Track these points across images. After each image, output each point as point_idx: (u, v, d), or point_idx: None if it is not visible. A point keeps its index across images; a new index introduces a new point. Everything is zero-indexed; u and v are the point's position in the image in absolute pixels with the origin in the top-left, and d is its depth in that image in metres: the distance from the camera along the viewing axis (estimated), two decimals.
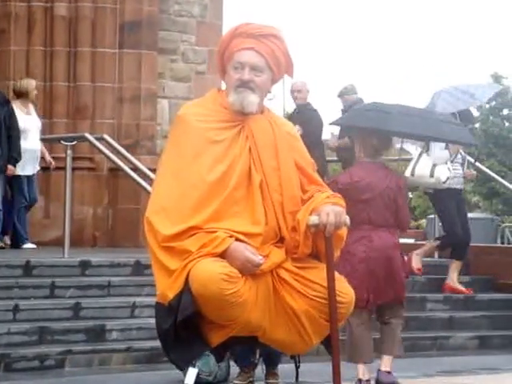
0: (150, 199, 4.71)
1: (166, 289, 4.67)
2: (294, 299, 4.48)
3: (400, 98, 53.78)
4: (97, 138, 9.75)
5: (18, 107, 10.43)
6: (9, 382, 6.85)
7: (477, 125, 36.91)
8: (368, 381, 6.18)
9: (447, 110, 8.75)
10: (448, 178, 8.78)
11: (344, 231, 4.48)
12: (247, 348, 5.84)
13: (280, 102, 10.89)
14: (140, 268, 8.63)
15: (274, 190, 4.61)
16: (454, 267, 9.57)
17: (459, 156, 9.78)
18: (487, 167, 15.11)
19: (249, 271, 4.53)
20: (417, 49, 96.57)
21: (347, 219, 4.38)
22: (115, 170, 10.80)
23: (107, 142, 9.79)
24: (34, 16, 11.58)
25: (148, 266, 6.12)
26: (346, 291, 4.46)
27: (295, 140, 4.68)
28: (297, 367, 4.91)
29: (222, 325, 4.60)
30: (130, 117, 11.61)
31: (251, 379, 6.34)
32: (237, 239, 4.53)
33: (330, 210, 4.37)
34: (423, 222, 31.74)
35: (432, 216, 14.43)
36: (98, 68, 11.51)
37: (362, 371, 6.15)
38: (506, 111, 41.45)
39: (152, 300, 5.18)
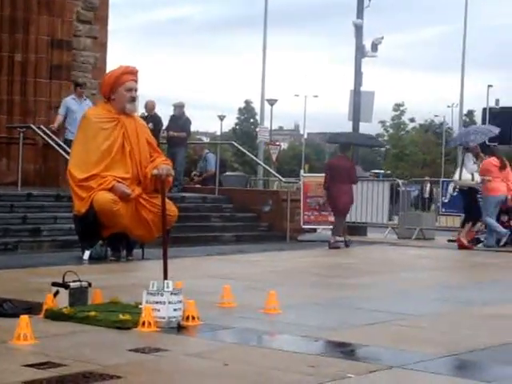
0: (69, 159, 8.33)
1: (80, 207, 8.25)
2: (146, 213, 8.12)
3: None
4: (37, 127, 15.75)
5: None
6: None
7: None
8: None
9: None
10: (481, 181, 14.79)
11: (171, 178, 8.10)
12: (119, 239, 9.55)
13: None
14: (59, 197, 13.76)
15: (136, 154, 8.20)
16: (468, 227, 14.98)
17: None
18: None
19: (124, 198, 8.13)
20: None
21: (172, 171, 7.95)
22: (46, 145, 16.16)
23: (42, 129, 15.63)
24: None
25: (64, 196, 12.38)
26: (172, 209, 8.08)
27: (145, 128, 8.26)
28: (143, 249, 8.52)
29: (109, 226, 8.21)
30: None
31: (119, 255, 10.07)
32: (118, 181, 8.14)
33: (165, 167, 7.94)
34: None
35: None
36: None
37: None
38: None
39: (67, 214, 9.20)
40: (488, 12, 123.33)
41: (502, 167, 15.26)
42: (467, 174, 14.70)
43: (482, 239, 15.65)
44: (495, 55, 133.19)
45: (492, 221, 15.18)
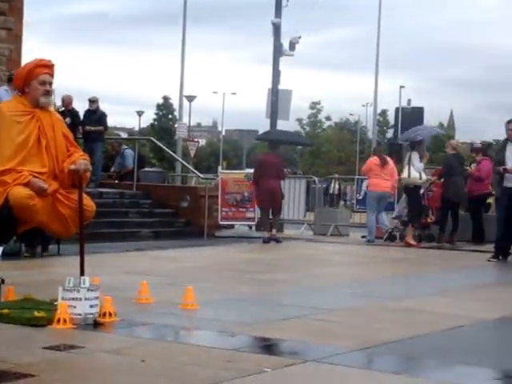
0: None
1: None
2: (63, 208, 7.82)
3: None
4: None
5: None
6: None
7: None
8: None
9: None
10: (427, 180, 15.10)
11: (88, 173, 7.96)
12: (34, 234, 9.36)
13: None
14: None
15: (53, 148, 7.99)
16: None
17: None
18: None
19: (41, 193, 7.93)
20: None
21: (89, 166, 7.82)
22: None
23: None
24: None
25: None
26: (90, 204, 7.92)
27: (62, 122, 8.10)
28: (59, 245, 8.36)
29: (25, 222, 8.01)
30: None
31: (34, 250, 9.90)
32: (34, 176, 7.95)
33: (82, 162, 7.79)
34: None
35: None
36: None
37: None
38: None
39: None
40: (401, 14, 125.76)
41: (382, 164, 15.73)
42: (415, 172, 14.89)
43: (397, 235, 15.96)
44: (407, 57, 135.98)
45: (371, 218, 15.68)
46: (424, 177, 14.98)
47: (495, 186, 12.80)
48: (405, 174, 14.99)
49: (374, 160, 16.19)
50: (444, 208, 15.41)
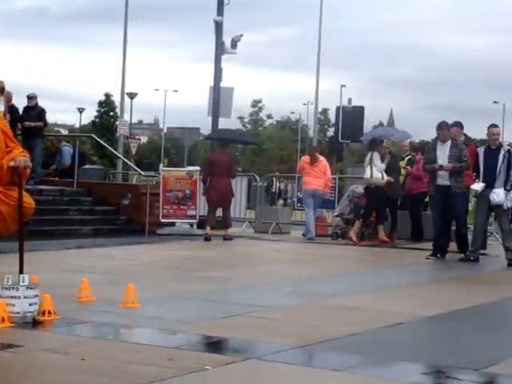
0: None
1: None
2: (2, 206, 7.74)
3: None
4: None
5: None
6: None
7: None
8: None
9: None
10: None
11: (28, 170, 7.83)
12: None
13: None
14: None
15: None
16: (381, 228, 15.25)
17: None
18: None
19: None
20: None
21: (29, 163, 7.70)
22: None
23: None
24: None
25: None
26: (29, 202, 7.81)
27: (1, 119, 7.96)
28: None
29: None
30: None
31: None
32: None
33: (22, 158, 7.67)
34: None
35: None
36: None
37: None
38: None
39: None
40: (342, 15, 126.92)
41: (312, 162, 15.95)
42: (378, 173, 14.99)
43: (338, 233, 16.07)
44: (349, 56, 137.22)
45: (309, 215, 15.98)
46: (386, 177, 15.03)
47: (429, 185, 12.96)
48: (367, 175, 15.08)
49: (305, 159, 16.55)
50: (382, 206, 15.56)
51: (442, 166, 12.47)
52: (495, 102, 66.19)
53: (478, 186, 12.24)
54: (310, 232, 15.85)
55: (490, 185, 12.16)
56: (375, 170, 15.03)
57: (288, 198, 32.16)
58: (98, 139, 21.55)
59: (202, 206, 16.97)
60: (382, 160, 15.13)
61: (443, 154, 12.60)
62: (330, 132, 69.41)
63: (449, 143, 12.66)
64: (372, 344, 5.79)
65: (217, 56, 19.55)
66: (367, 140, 16.26)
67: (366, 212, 15.48)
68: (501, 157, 12.17)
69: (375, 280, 9.93)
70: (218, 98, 19.38)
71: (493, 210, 12.45)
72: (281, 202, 27.80)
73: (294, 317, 6.79)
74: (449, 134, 12.76)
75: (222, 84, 19.69)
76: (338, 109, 25.74)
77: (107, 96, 65.75)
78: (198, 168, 17.98)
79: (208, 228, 15.12)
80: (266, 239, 15.95)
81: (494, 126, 12.64)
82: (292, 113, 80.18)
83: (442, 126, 12.73)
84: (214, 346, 5.62)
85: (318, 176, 15.96)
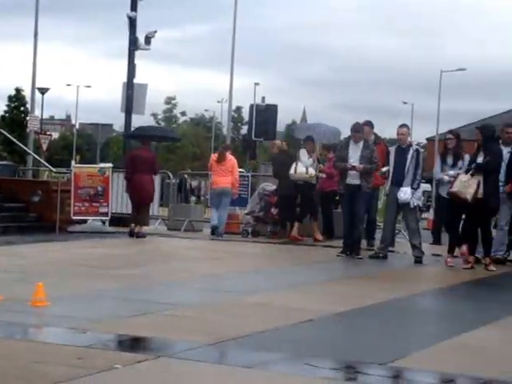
0: None
1: None
2: None
3: None
4: None
5: None
6: None
7: None
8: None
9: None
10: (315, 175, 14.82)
11: None
12: None
13: None
14: None
15: None
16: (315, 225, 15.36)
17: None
18: None
19: None
20: None
21: None
22: None
23: None
24: None
25: None
26: None
27: None
28: None
29: None
30: None
31: None
32: None
33: None
34: None
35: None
36: None
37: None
38: None
39: None
40: (256, 14, 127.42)
41: (219, 161, 16.11)
42: (302, 167, 15.02)
43: (249, 231, 16.14)
44: (263, 55, 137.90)
45: (212, 215, 16.22)
46: (311, 172, 15.04)
47: (339, 183, 13.14)
48: (291, 170, 15.17)
49: (213, 157, 16.65)
50: (280, 204, 15.70)
51: (353, 167, 12.67)
52: (404, 102, 67.57)
53: (386, 168, 12.55)
54: (214, 228, 15.92)
55: (398, 183, 12.41)
56: (300, 166, 15.16)
57: (202, 195, 32.12)
58: (7, 134, 21.08)
59: (121, 204, 16.91)
60: (310, 156, 15.26)
61: (355, 154, 12.79)
62: (244, 130, 69.63)
63: (361, 144, 12.87)
64: (282, 341, 5.85)
65: (130, 52, 19.36)
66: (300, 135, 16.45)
67: (302, 209, 15.57)
68: (409, 156, 12.44)
69: (286, 277, 10.02)
70: (132, 95, 19.20)
71: (400, 208, 12.71)
72: (193, 199, 27.79)
73: (206, 314, 6.80)
74: (362, 136, 12.96)
75: (136, 80, 19.51)
76: (251, 107, 25.83)
77: (18, 90, 64.38)
78: (110, 165, 17.79)
79: (133, 225, 15.12)
80: (178, 237, 15.90)
81: (402, 126, 12.91)
82: (206, 110, 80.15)
83: (356, 128, 12.92)
84: (126, 344, 5.58)
85: (225, 175, 16.02)
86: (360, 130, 12.94)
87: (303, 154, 15.25)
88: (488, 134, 11.90)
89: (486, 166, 11.56)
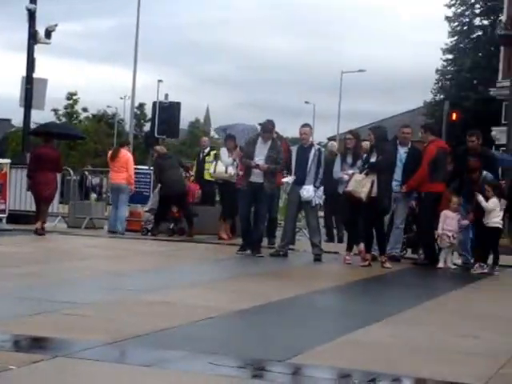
0: None
1: None
2: None
3: None
4: None
5: None
6: None
7: None
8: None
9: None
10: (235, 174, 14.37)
11: None
12: None
13: None
14: None
15: None
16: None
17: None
18: None
19: None
20: None
21: None
22: None
23: None
24: None
25: None
26: None
27: None
28: None
29: None
30: None
31: None
32: None
33: None
34: None
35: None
36: None
37: None
38: None
39: None
40: (159, 10, 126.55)
41: (112, 157, 16.11)
42: (222, 167, 14.92)
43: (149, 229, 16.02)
44: (167, 52, 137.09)
45: (111, 211, 16.34)
46: (231, 171, 14.93)
47: (242, 179, 13.15)
48: (211, 170, 15.17)
49: (108, 153, 16.70)
50: (163, 203, 15.68)
51: (257, 165, 12.71)
52: (306, 102, 68.37)
53: (288, 178, 12.66)
54: (112, 226, 15.82)
55: (300, 182, 12.54)
56: (219, 165, 15.14)
57: (103, 192, 31.63)
58: None
59: (20, 201, 16.55)
60: (230, 154, 15.18)
61: (261, 153, 12.82)
62: (147, 127, 69.08)
63: (269, 143, 12.90)
64: (183, 338, 5.82)
65: (30, 45, 18.92)
66: (223, 134, 16.42)
67: (223, 208, 15.46)
68: (311, 155, 12.59)
69: (187, 275, 10.00)
70: (31, 89, 18.77)
71: (302, 206, 12.85)
72: (94, 196, 27.32)
73: (106, 313, 6.71)
74: (271, 136, 13.00)
75: (36, 75, 19.08)
76: (154, 104, 25.64)
77: None
78: (8, 160, 17.34)
79: (39, 223, 14.86)
80: (79, 234, 15.66)
81: (304, 125, 13.05)
82: (108, 106, 79.04)
83: (265, 128, 12.94)
84: (21, 344, 5.45)
85: (119, 171, 15.95)
86: (268, 130, 12.97)
87: (224, 152, 15.27)
88: (379, 135, 12.20)
89: (377, 165, 11.82)
